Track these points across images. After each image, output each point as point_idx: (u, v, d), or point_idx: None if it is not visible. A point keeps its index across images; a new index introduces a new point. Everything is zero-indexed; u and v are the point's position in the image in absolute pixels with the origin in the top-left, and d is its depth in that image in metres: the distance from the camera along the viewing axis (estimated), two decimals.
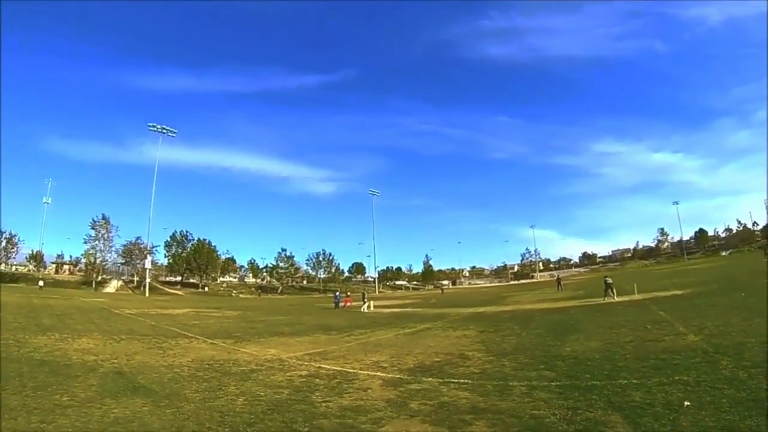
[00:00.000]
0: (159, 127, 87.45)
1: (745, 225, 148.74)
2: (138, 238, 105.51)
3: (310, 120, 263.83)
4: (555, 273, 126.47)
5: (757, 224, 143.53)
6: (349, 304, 46.05)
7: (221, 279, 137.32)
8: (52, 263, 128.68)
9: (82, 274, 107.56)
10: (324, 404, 8.30)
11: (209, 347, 16.43)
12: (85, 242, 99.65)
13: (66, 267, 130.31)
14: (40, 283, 72.50)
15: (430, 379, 10.19)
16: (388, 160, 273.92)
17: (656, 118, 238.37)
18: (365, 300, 41.98)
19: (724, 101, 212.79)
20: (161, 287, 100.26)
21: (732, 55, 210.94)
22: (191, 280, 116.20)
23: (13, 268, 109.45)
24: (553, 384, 9.00)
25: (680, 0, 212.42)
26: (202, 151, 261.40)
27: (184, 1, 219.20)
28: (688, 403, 6.96)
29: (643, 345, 12.39)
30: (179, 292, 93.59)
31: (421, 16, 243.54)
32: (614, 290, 29.60)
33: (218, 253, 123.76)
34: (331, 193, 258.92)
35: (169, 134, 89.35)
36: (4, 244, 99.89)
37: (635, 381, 8.65)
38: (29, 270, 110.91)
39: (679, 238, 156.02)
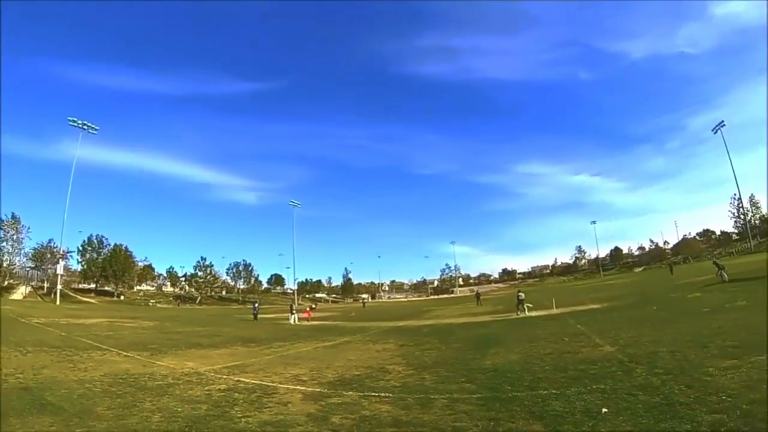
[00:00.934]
0: (80, 122, 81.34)
1: (657, 243, 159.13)
2: (50, 240, 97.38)
3: (239, 127, 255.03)
4: (475, 288, 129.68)
5: (668, 243, 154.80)
6: (309, 316, 44.06)
7: (138, 287, 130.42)
8: None
9: None
10: (244, 419, 7.93)
11: (124, 360, 15.60)
12: None
13: None
14: None
15: (351, 392, 9.91)
16: (315, 171, 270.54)
17: (579, 142, 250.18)
18: (293, 312, 41.15)
19: (642, 129, 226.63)
20: (74, 295, 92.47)
21: (652, 87, 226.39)
22: (106, 288, 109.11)
23: None
24: (475, 396, 8.89)
25: (608, 35, 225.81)
26: (125, 152, 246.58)
27: None
28: (606, 410, 7.03)
29: (561, 356, 12.56)
30: (93, 301, 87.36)
31: (358, 30, 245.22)
32: (525, 305, 30.19)
33: (135, 259, 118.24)
34: (255, 202, 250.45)
35: (90, 131, 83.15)
36: None
37: (555, 391, 8.67)
38: None
39: (595, 255, 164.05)
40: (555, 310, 29.09)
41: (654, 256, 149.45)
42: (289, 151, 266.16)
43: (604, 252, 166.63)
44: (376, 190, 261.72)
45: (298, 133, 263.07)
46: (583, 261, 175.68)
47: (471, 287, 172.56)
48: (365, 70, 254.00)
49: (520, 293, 32.75)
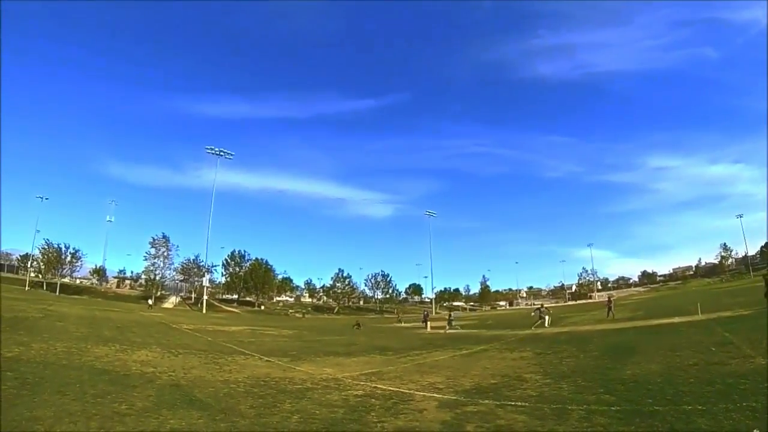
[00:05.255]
0: (216, 150, 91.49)
1: None
2: (197, 256, 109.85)
3: (363, 144, 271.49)
4: (608, 294, 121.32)
5: None
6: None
7: (277, 298, 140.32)
8: (114, 278, 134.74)
9: (142, 289, 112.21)
10: (379, 424, 8.25)
11: (265, 365, 16.55)
12: (145, 259, 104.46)
13: (127, 282, 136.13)
14: (150, 301, 77.14)
15: (487, 401, 9.95)
16: (442, 182, 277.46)
17: (711, 129, 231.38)
18: (450, 321, 41.13)
19: None
20: (218, 304, 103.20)
21: None
22: (247, 299, 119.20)
23: (77, 281, 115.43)
24: (613, 408, 8.65)
25: (730, 2, 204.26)
26: (258, 174, 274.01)
27: (235, 28, 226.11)
28: (757, 431, 6.62)
29: (707, 368, 11.74)
30: (235, 310, 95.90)
31: (469, 38, 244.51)
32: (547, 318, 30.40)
33: (275, 272, 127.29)
34: (388, 215, 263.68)
35: (227, 157, 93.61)
36: (69, 258, 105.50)
37: (700, 407, 8.22)
38: (92, 283, 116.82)
39: (744, 254, 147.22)
40: (699, 316, 26.90)
41: None
42: (416, 163, 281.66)
43: (753, 249, 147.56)
44: (506, 197, 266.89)
45: (423, 146, 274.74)
46: (730, 260, 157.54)
47: (609, 292, 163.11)
48: (482, 77, 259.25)
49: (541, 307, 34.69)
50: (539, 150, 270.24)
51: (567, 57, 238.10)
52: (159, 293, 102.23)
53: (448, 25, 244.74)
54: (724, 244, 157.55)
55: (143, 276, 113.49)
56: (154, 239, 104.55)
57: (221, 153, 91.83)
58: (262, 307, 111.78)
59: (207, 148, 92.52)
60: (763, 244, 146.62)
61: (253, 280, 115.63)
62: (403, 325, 38.70)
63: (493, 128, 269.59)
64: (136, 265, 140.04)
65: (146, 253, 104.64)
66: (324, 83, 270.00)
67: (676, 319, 27.01)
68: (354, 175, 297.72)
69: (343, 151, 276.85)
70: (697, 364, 12.44)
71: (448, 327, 37.87)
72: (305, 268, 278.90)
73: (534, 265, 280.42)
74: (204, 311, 77.66)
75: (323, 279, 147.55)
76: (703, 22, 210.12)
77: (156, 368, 13.62)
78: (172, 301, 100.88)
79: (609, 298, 45.05)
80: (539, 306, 37.09)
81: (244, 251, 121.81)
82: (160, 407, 8.82)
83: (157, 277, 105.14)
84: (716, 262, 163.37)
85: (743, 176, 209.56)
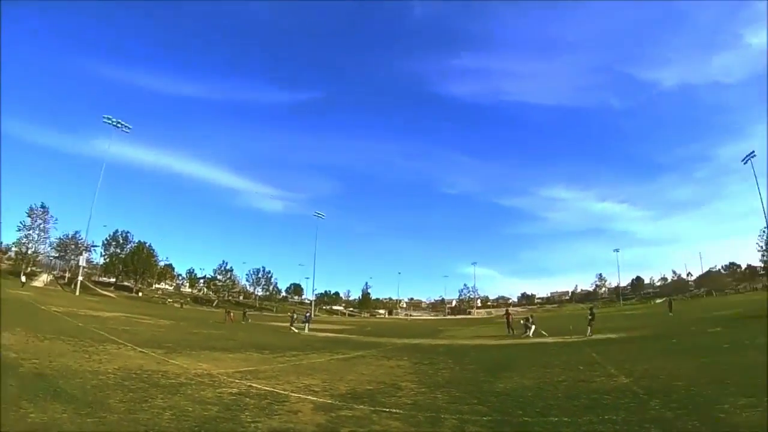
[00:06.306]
0: (114, 120, 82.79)
1: (680, 275, 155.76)
2: (76, 233, 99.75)
3: (268, 135, 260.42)
4: (506, 308, 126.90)
5: (691, 275, 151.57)
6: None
7: (156, 285, 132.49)
8: None
9: (11, 263, 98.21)
10: (253, 424, 7.96)
11: (138, 356, 15.81)
12: (19, 230, 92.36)
13: None
14: (23, 278, 68.78)
15: (362, 406, 9.89)
16: (342, 183, 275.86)
17: (605, 169, 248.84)
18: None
19: (670, 157, 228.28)
20: (93, 287, 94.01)
21: (682, 115, 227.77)
22: (126, 284, 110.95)
23: None
24: (485, 418, 8.83)
25: (642, 62, 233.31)
26: (155, 152, 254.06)
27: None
28: None
29: (575, 385, 12.42)
30: (111, 295, 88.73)
31: (393, 46, 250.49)
32: (531, 329, 31.31)
33: (157, 258, 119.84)
34: (280, 211, 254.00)
35: (124, 129, 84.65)
36: None
37: (566, 419, 8.59)
38: None
39: (616, 284, 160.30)
40: (571, 338, 28.70)
41: (676, 287, 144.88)
42: (319, 162, 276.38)
43: (625, 281, 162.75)
44: (401, 206, 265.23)
45: (330, 145, 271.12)
46: (604, 289, 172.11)
47: (488, 309, 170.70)
48: (400, 87, 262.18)
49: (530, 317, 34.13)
50: (441, 165, 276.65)
51: (484, 81, 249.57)
52: (29, 269, 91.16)
53: (374, 30, 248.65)
54: (600, 274, 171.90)
55: (14, 248, 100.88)
56: (32, 209, 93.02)
57: (119, 124, 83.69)
58: (140, 294, 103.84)
59: (104, 117, 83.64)
60: (634, 277, 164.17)
61: (133, 264, 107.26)
62: (293, 330, 37.44)
63: (401, 137, 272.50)
64: (7, 236, 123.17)
65: (21, 222, 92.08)
66: (240, 67, 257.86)
67: (550, 339, 28.61)
68: (253, 166, 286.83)
69: (246, 140, 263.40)
70: (566, 381, 13.15)
71: (525, 331, 32.01)
72: (189, 256, 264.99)
73: (417, 277, 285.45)
74: (77, 293, 70.61)
75: (206, 270, 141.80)
76: (616, 73, 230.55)
77: (18, 354, 12.72)
78: (43, 280, 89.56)
79: (507, 311, 47.29)
80: (528, 317, 36.38)
81: (128, 232, 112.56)
82: (20, 399, 8.15)
83: (30, 251, 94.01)
84: (591, 289, 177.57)
85: (626, 215, 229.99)
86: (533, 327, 32.40)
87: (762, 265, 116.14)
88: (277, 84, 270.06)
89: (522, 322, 33.20)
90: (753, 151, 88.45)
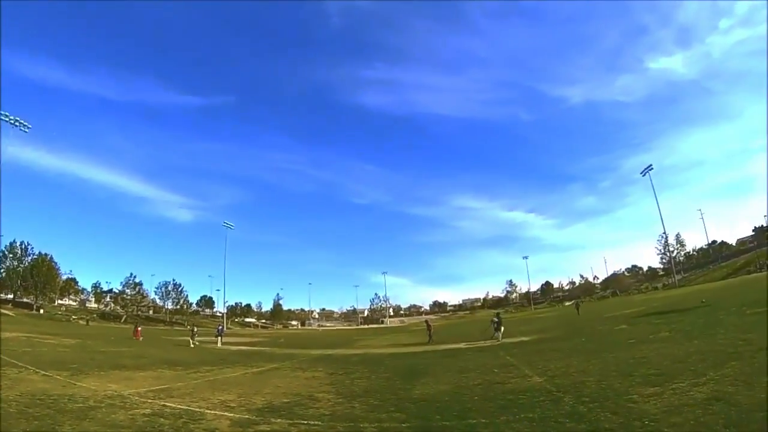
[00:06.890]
0: (12, 118, 74.75)
1: (587, 278, 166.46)
2: None
3: (176, 142, 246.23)
4: (426, 318, 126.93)
5: (597, 278, 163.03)
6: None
7: (59, 301, 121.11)
8: None
9: None
10: None
11: (42, 379, 14.65)
12: None
13: None
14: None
15: (280, 420, 9.54)
16: (249, 192, 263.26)
17: (513, 180, 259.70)
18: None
19: (576, 169, 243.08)
20: None
21: (587, 130, 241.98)
22: (25, 300, 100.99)
23: None
24: (404, 425, 8.68)
25: (550, 80, 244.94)
26: (58, 155, 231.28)
27: None
28: None
29: (491, 387, 12.51)
30: (10, 313, 79.97)
31: (306, 53, 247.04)
32: (501, 330, 29.69)
33: (59, 271, 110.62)
34: (189, 220, 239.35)
35: (22, 129, 76.42)
36: None
37: (484, 420, 8.58)
38: None
39: (527, 289, 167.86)
40: (484, 342, 29.26)
41: (584, 290, 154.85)
42: (226, 170, 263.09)
43: (535, 286, 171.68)
44: (310, 216, 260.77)
45: (237, 153, 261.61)
46: (515, 294, 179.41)
47: (401, 317, 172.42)
48: (308, 95, 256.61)
49: (496, 316, 33.09)
50: (350, 174, 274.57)
51: (396, 92, 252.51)
52: None
53: (288, 36, 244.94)
54: (510, 280, 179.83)
55: None
56: None
57: (16, 123, 75.20)
58: (42, 311, 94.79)
59: (2, 114, 75.05)
60: (543, 282, 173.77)
61: (33, 278, 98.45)
62: (194, 345, 35.74)
63: (309, 146, 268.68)
64: None
65: None
66: (150, 68, 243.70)
67: (463, 345, 29.09)
68: (161, 173, 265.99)
69: (155, 146, 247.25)
70: (482, 384, 13.24)
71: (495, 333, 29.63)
72: (94, 269, 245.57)
73: (328, 287, 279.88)
74: None
75: (112, 283, 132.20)
76: (525, 88, 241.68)
77: None
78: None
79: (427, 321, 47.79)
80: (495, 314, 35.14)
81: (28, 243, 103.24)
82: None
83: None
84: (502, 295, 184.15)
85: (534, 223, 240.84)
86: (503, 329, 30.09)
87: (661, 266, 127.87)
88: (180, 87, 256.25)
89: (494, 320, 31.38)
90: (650, 165, 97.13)
